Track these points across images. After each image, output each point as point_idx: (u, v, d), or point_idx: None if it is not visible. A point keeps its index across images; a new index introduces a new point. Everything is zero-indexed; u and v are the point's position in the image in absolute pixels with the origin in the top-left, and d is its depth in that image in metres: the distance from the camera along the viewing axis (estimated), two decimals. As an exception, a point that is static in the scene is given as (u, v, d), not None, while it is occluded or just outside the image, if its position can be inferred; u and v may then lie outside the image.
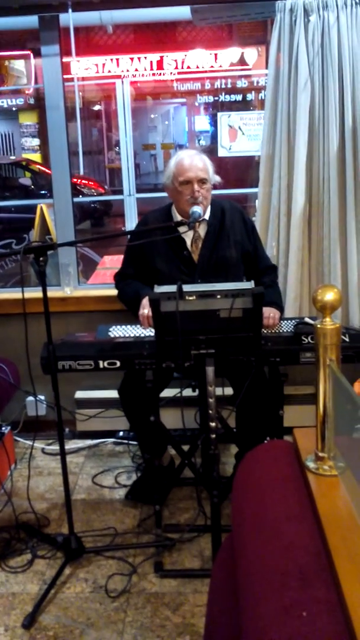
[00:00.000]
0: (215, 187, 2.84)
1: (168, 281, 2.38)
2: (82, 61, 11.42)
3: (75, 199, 3.57)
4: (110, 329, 2.68)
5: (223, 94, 4.47)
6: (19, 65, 12.21)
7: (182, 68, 11.41)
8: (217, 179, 2.77)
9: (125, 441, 3.52)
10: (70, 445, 3.52)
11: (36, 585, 2.47)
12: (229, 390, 2.83)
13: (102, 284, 3.72)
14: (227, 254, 2.78)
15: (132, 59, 11.93)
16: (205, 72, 10.78)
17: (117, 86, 3.62)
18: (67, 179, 3.50)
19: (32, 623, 2.25)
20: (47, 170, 10.00)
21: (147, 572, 2.51)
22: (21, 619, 2.27)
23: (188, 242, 2.79)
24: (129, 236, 3.07)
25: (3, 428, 3.18)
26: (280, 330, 2.64)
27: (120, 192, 3.68)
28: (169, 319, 2.26)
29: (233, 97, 4.38)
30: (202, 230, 2.79)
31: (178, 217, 2.77)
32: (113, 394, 3.15)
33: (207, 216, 2.79)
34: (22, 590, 2.45)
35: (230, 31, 11.67)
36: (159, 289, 2.31)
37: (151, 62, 11.82)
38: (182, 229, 2.54)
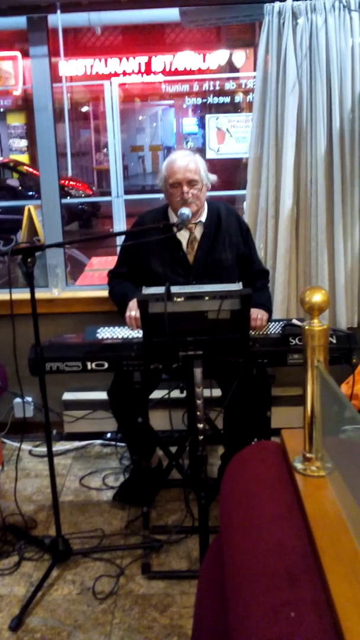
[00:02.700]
0: (213, 187, 2.81)
1: (163, 282, 2.36)
2: (71, 62, 11.42)
3: (63, 200, 3.57)
4: (98, 331, 2.67)
5: (211, 96, 4.47)
6: (6, 66, 12.18)
7: (171, 70, 11.43)
8: (212, 178, 2.74)
9: (113, 443, 3.52)
10: (58, 447, 3.51)
11: (23, 587, 2.46)
12: (217, 392, 2.83)
13: (90, 286, 3.71)
14: (223, 257, 2.77)
15: (120, 59, 11.94)
16: (194, 73, 10.80)
17: (106, 87, 3.61)
18: (55, 180, 3.48)
19: (19, 625, 2.24)
20: (35, 172, 9.99)
21: (134, 574, 2.51)
22: (8, 621, 2.26)
23: (184, 244, 2.77)
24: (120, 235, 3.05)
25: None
26: (268, 332, 2.65)
27: (109, 193, 3.67)
28: (157, 320, 2.26)
29: (221, 99, 4.39)
30: (197, 232, 2.78)
31: (174, 218, 2.73)
32: (101, 395, 3.15)
33: (203, 218, 2.78)
34: (9, 592, 2.44)
35: (219, 33, 11.70)
36: (147, 291, 2.31)
37: (139, 63, 11.83)
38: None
